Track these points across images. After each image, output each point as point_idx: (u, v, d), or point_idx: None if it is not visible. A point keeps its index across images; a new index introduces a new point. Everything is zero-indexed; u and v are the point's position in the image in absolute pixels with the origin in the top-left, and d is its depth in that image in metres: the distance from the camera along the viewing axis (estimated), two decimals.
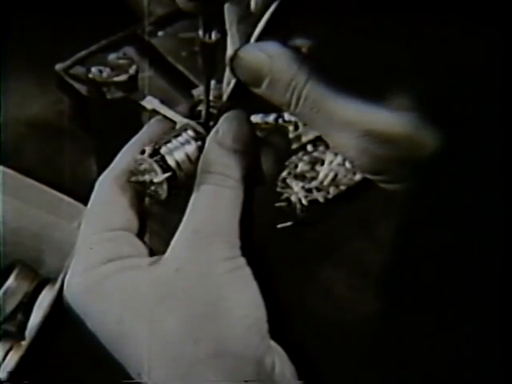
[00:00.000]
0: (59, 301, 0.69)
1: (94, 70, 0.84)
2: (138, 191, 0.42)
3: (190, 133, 0.43)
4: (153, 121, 0.45)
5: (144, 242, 0.42)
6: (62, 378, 0.61)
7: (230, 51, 0.42)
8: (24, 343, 0.71)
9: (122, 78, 0.83)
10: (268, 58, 0.39)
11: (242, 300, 0.38)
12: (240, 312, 0.38)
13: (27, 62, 0.92)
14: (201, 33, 0.44)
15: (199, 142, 0.42)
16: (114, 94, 0.82)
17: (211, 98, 0.44)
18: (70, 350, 0.66)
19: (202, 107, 0.45)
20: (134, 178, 0.41)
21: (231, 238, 0.39)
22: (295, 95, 0.39)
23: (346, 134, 0.38)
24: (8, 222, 0.76)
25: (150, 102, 0.67)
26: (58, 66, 0.88)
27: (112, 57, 0.86)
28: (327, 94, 0.38)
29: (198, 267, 0.38)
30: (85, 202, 0.75)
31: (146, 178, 0.41)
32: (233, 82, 0.42)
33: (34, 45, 0.92)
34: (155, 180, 0.40)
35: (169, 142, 0.42)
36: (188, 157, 0.41)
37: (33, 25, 0.92)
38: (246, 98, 0.42)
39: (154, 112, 0.49)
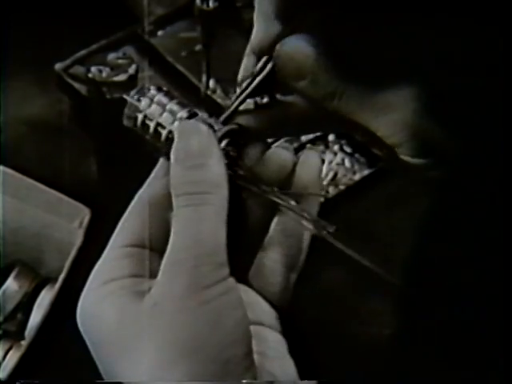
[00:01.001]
0: (59, 301, 0.69)
1: (93, 69, 0.84)
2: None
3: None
4: None
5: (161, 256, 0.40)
6: (62, 378, 0.61)
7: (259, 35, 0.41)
8: (24, 343, 0.71)
9: (122, 77, 0.83)
10: (315, 57, 0.38)
11: (219, 335, 0.36)
12: (213, 350, 0.35)
13: (27, 61, 0.92)
14: (198, 1, 0.43)
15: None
16: (114, 93, 0.82)
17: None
18: (69, 350, 0.66)
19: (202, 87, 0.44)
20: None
21: (217, 258, 0.37)
22: (339, 92, 0.38)
23: (383, 127, 0.38)
24: (8, 221, 0.76)
25: None
26: (58, 66, 0.88)
27: (112, 56, 0.86)
28: (363, 97, 0.38)
29: (175, 299, 0.36)
30: (85, 201, 0.75)
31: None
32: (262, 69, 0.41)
33: (33, 45, 0.92)
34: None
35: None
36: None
37: (33, 25, 0.92)
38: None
39: None
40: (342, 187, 0.86)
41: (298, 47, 0.39)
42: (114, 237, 0.41)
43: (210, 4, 0.43)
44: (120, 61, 0.85)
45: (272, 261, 0.44)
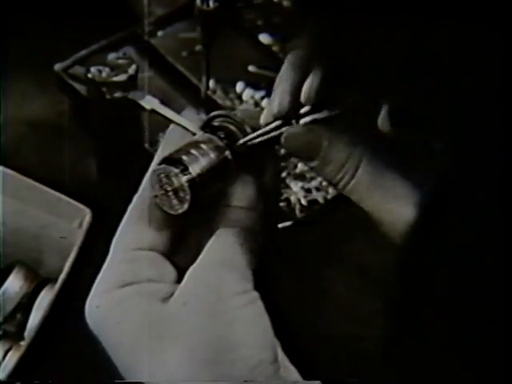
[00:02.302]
0: (59, 301, 0.69)
1: (93, 69, 0.84)
2: (160, 206, 0.41)
3: (209, 146, 0.42)
4: (170, 131, 0.44)
5: (173, 264, 0.41)
6: (62, 379, 0.61)
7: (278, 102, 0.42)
8: (23, 343, 0.71)
9: (122, 77, 0.83)
10: (326, 144, 0.40)
11: (250, 339, 0.37)
12: (245, 352, 0.37)
13: (27, 62, 0.92)
14: (199, 1, 0.43)
15: (215, 155, 0.41)
16: (114, 93, 0.82)
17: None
18: (69, 351, 0.66)
19: (219, 121, 0.44)
20: (155, 192, 0.40)
21: (245, 273, 0.39)
22: (343, 182, 0.41)
23: (389, 228, 0.40)
24: (8, 222, 0.76)
25: (149, 102, 0.67)
26: (58, 66, 0.88)
27: (112, 57, 0.86)
28: (374, 190, 0.40)
29: (206, 302, 0.37)
30: (84, 201, 0.75)
31: (167, 186, 0.40)
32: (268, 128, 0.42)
33: (33, 45, 0.92)
34: (176, 183, 0.39)
35: (189, 152, 0.41)
36: (207, 172, 0.40)
37: (33, 25, 0.92)
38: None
39: (153, 112, 0.49)
40: None
41: (306, 131, 0.40)
42: (117, 240, 0.41)
43: (210, 4, 0.43)
44: (120, 61, 0.85)
45: None
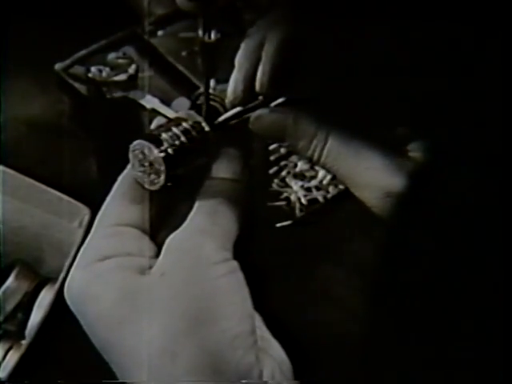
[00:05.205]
0: (59, 300, 0.69)
1: (93, 69, 0.84)
2: (141, 183, 0.41)
3: (189, 123, 0.43)
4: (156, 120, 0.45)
5: (155, 241, 0.41)
6: (62, 378, 0.62)
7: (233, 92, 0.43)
8: (24, 343, 0.71)
9: (122, 77, 0.83)
10: (292, 123, 0.40)
11: (229, 310, 0.37)
12: (223, 325, 0.36)
13: (27, 61, 0.92)
14: (200, 33, 0.44)
15: (195, 133, 0.42)
16: (114, 93, 0.82)
17: (211, 91, 0.45)
18: (69, 350, 0.66)
19: (201, 100, 0.45)
20: (135, 170, 0.41)
21: (224, 242, 0.39)
22: (316, 153, 0.41)
23: (366, 193, 0.40)
24: (8, 221, 0.76)
25: (149, 101, 0.67)
26: (58, 66, 0.88)
27: (112, 56, 0.86)
28: (346, 154, 0.41)
29: (183, 272, 0.37)
30: (85, 201, 0.75)
31: (143, 161, 0.41)
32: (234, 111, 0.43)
33: (33, 45, 0.92)
34: (149, 156, 0.40)
35: (169, 130, 0.42)
36: (184, 146, 0.41)
37: (33, 25, 0.92)
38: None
39: (154, 111, 0.49)
40: (342, 187, 0.86)
41: (269, 113, 0.41)
42: (100, 217, 0.42)
43: (212, 36, 0.44)
44: (120, 61, 0.86)
45: None
